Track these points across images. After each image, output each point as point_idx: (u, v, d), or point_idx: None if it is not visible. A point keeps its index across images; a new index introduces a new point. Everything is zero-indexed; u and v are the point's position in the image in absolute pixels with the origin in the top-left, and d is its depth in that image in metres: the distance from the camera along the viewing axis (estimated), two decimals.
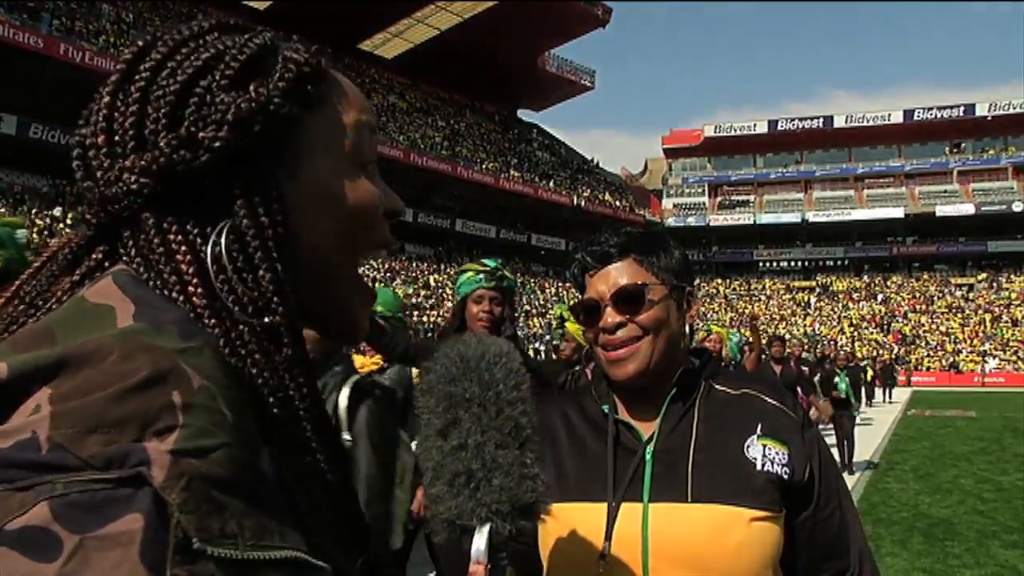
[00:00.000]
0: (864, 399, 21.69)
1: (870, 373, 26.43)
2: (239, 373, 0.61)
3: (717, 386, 1.40)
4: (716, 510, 1.25)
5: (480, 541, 0.75)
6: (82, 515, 0.48)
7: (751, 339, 8.83)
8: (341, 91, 0.71)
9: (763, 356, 9.34)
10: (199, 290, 0.62)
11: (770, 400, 1.38)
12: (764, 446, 1.31)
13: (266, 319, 0.64)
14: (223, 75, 0.64)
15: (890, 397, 30.54)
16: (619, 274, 1.37)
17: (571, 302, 1.43)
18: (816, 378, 11.37)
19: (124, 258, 0.64)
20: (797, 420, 1.36)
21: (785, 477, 1.29)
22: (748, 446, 1.31)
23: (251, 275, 0.64)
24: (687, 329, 1.42)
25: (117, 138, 0.63)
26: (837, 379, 11.83)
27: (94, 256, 0.65)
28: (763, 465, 1.29)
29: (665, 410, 1.35)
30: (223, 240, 0.63)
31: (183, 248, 0.62)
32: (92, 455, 0.49)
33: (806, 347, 28.16)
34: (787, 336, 13.92)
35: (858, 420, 13.13)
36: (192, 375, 0.54)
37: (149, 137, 0.62)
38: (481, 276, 3.26)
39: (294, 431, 0.64)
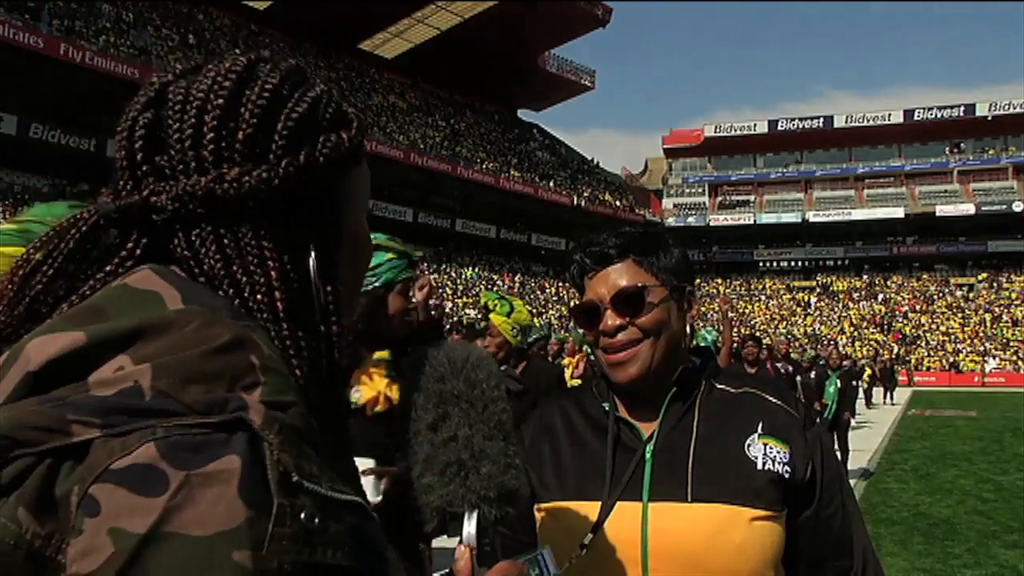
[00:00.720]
0: (860, 403, 21.19)
1: (867, 374, 25.93)
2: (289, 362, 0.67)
3: (718, 385, 1.39)
4: (717, 509, 1.24)
5: (470, 526, 0.80)
6: (186, 455, 0.52)
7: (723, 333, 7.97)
8: (365, 153, 0.80)
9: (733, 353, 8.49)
10: (282, 293, 0.69)
11: (771, 399, 1.37)
12: (765, 445, 1.30)
13: (333, 327, 0.73)
14: (324, 117, 0.74)
15: (892, 399, 29.80)
16: (618, 276, 1.35)
17: (572, 302, 1.42)
18: (801, 380, 9.96)
19: (183, 251, 0.68)
20: (799, 419, 1.35)
21: (786, 476, 1.28)
22: (749, 445, 1.30)
23: (324, 289, 0.72)
24: (688, 329, 1.42)
25: (227, 144, 0.68)
26: (827, 382, 10.87)
27: (132, 245, 0.69)
28: (764, 464, 1.28)
29: (666, 409, 1.35)
30: (314, 256, 0.71)
31: (275, 256, 0.69)
32: (195, 401, 0.54)
33: (798, 346, 26.96)
34: (781, 335, 12.98)
35: (853, 424, 12.78)
36: (261, 343, 0.62)
37: (265, 152, 0.69)
38: (403, 261, 2.62)
39: (324, 422, 0.68)
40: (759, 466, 1.28)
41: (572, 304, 1.44)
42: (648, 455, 1.32)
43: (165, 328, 0.59)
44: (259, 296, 0.68)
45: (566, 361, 8.43)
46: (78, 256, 0.68)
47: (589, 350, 7.63)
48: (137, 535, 0.49)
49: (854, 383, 15.30)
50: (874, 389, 28.39)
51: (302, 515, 0.54)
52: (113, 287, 0.66)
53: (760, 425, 1.32)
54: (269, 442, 0.54)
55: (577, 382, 6.87)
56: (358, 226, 0.79)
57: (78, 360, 0.56)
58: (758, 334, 11.67)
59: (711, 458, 1.29)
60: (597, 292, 1.36)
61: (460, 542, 0.80)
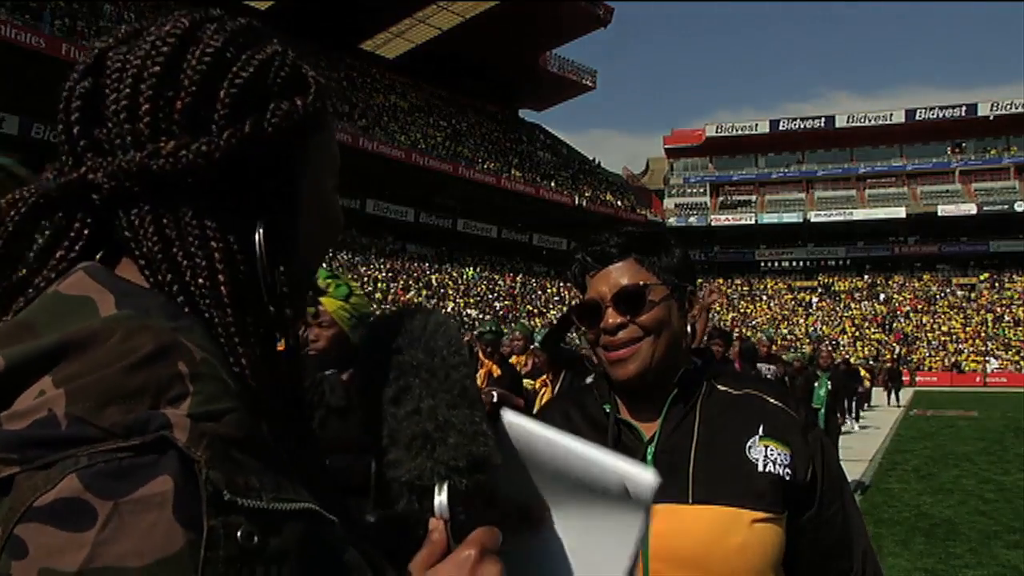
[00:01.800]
0: (855, 410, 20.29)
1: (865, 375, 24.48)
2: (231, 352, 0.63)
3: (719, 386, 1.39)
4: (717, 511, 1.24)
5: (441, 497, 0.78)
6: (112, 482, 0.49)
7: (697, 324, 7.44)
8: (330, 114, 0.75)
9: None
10: (226, 276, 0.64)
11: (772, 400, 1.37)
12: (766, 447, 1.30)
13: (286, 310, 0.68)
14: (276, 81, 0.68)
15: (898, 400, 28.79)
16: (620, 274, 1.36)
17: (573, 303, 1.43)
18: (788, 383, 9.12)
19: (125, 233, 0.64)
20: (799, 420, 1.35)
21: (787, 478, 1.28)
22: (750, 447, 1.30)
23: (274, 269, 0.67)
24: (689, 328, 1.41)
25: (163, 114, 0.63)
26: (817, 384, 9.94)
27: (79, 226, 0.65)
28: (765, 466, 1.28)
29: (667, 410, 1.35)
30: (261, 235, 0.66)
31: (219, 235, 0.64)
32: (113, 424, 0.51)
33: (787, 346, 23.99)
34: (763, 335, 11.16)
35: (854, 428, 12.21)
36: (192, 348, 0.57)
37: (207, 123, 0.64)
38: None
39: (276, 412, 0.66)
40: (760, 468, 1.28)
41: (573, 303, 1.45)
42: (649, 456, 1.32)
43: (86, 344, 0.55)
44: (201, 280, 0.63)
45: (514, 359, 7.51)
46: (18, 242, 0.64)
47: (539, 345, 7.26)
48: (70, 573, 0.46)
49: (850, 384, 15.05)
50: (874, 389, 27.69)
51: (238, 534, 0.51)
52: (47, 295, 0.62)
53: (761, 427, 1.32)
54: (197, 459, 0.51)
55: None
56: (321, 199, 0.74)
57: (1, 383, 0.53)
58: (738, 331, 11.03)
59: (712, 460, 1.29)
60: (598, 290, 1.36)
61: (433, 515, 0.78)
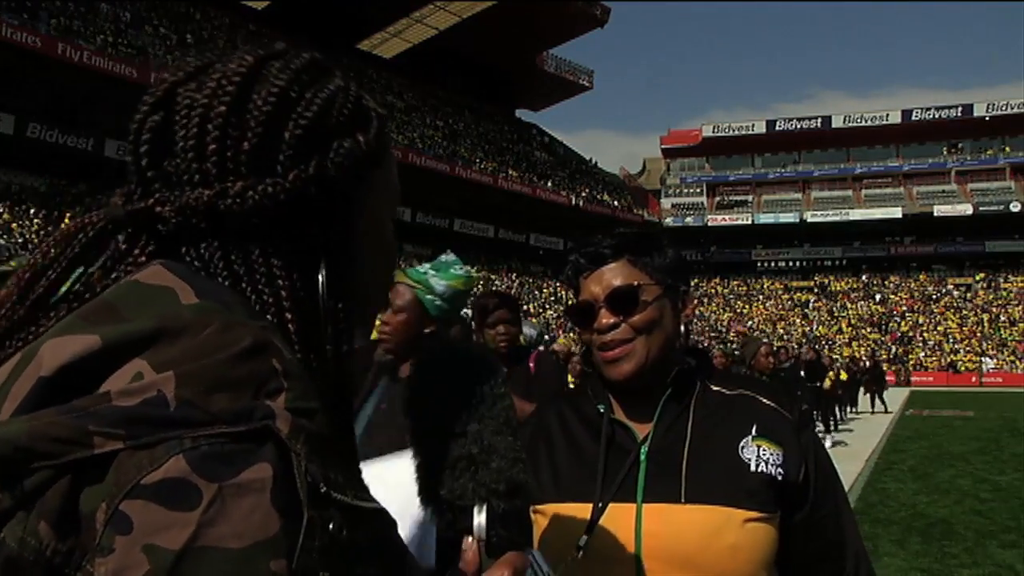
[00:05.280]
0: (826, 421, 16.31)
1: (843, 376, 20.08)
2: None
3: (713, 386, 1.40)
4: (710, 511, 1.25)
5: (479, 518, 0.82)
6: (217, 465, 0.51)
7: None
8: (391, 150, 0.76)
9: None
10: (292, 315, 0.66)
11: (765, 401, 1.38)
12: (759, 447, 1.31)
13: (344, 348, 0.70)
14: (339, 118, 0.69)
15: (883, 404, 24.03)
16: (613, 275, 1.37)
17: (570, 303, 1.44)
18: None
19: (195, 264, 0.66)
20: (792, 421, 1.36)
21: (779, 478, 1.29)
22: (743, 447, 1.31)
23: (335, 308, 0.69)
24: (683, 329, 1.42)
25: (232, 155, 0.65)
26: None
27: (139, 252, 0.67)
28: (757, 466, 1.29)
29: (660, 410, 1.36)
30: (324, 274, 0.68)
31: (285, 273, 0.66)
32: (221, 410, 0.53)
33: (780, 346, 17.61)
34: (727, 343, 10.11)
35: (827, 443, 11.69)
36: (282, 348, 0.59)
37: (272, 164, 0.65)
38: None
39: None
40: (752, 468, 1.29)
41: (570, 303, 1.46)
42: (643, 456, 1.33)
43: (182, 331, 0.57)
44: (268, 318, 0.65)
45: None
46: (84, 260, 0.66)
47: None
48: (172, 551, 0.48)
49: (813, 383, 13.43)
50: (851, 398, 22.39)
51: (331, 526, 0.54)
52: (124, 283, 0.63)
53: (754, 427, 1.33)
54: (297, 452, 0.53)
55: None
56: (380, 231, 0.75)
57: (92, 365, 0.55)
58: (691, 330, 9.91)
59: (705, 460, 1.30)
60: (592, 291, 1.37)
61: (468, 535, 0.82)
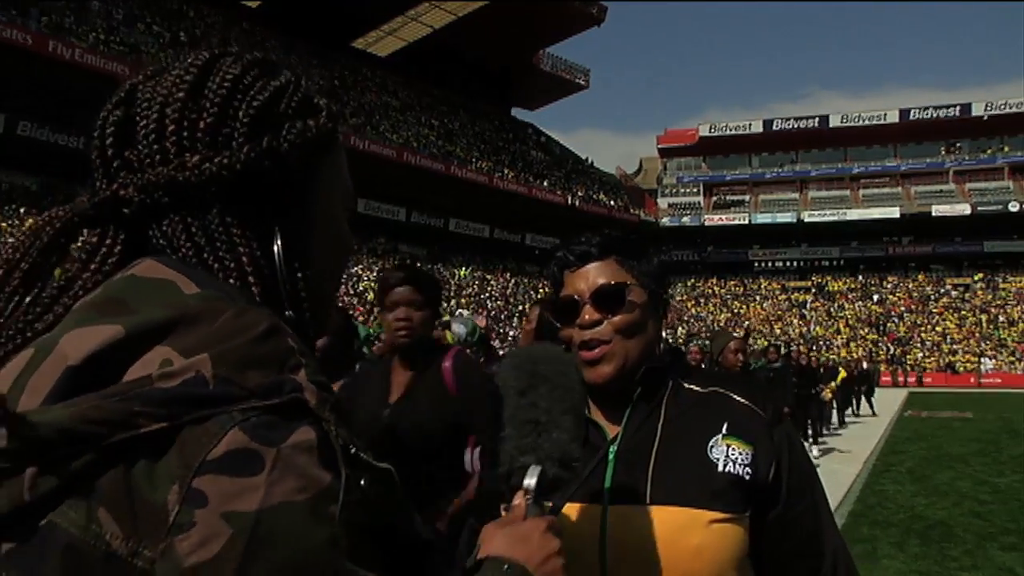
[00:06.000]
0: (812, 429, 14.39)
1: (829, 390, 16.87)
2: None
3: (686, 385, 1.39)
4: (674, 512, 1.24)
5: (531, 478, 0.93)
6: (269, 432, 0.56)
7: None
8: (340, 143, 0.83)
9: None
10: (256, 278, 0.71)
11: (738, 398, 1.35)
12: (728, 446, 1.28)
13: (305, 313, 0.75)
14: (289, 105, 0.76)
15: (872, 407, 23.38)
16: (599, 273, 1.36)
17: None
18: None
19: (161, 242, 0.70)
20: (765, 418, 1.33)
21: (747, 478, 1.26)
22: (712, 446, 1.29)
23: (292, 274, 0.74)
24: (662, 335, 1.42)
25: (188, 133, 0.70)
26: None
27: (110, 242, 0.71)
28: (725, 466, 1.27)
29: (631, 410, 1.34)
30: (279, 241, 0.73)
31: (244, 241, 0.71)
32: (256, 385, 0.58)
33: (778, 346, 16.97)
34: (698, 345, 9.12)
35: (815, 455, 10.92)
36: (288, 328, 0.66)
37: (228, 140, 0.71)
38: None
39: None
40: (720, 468, 1.26)
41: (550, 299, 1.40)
42: (611, 457, 1.30)
43: (198, 318, 0.61)
44: (232, 282, 0.69)
45: None
46: (53, 253, 0.69)
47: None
48: (250, 513, 0.53)
49: (805, 390, 12.99)
50: (841, 405, 20.38)
51: (361, 482, 0.61)
52: (121, 278, 0.67)
53: (725, 426, 1.31)
54: (326, 419, 0.59)
55: None
56: (333, 214, 0.80)
57: (117, 353, 0.59)
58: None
59: (673, 460, 1.28)
60: (576, 287, 1.36)
61: (519, 490, 0.93)
